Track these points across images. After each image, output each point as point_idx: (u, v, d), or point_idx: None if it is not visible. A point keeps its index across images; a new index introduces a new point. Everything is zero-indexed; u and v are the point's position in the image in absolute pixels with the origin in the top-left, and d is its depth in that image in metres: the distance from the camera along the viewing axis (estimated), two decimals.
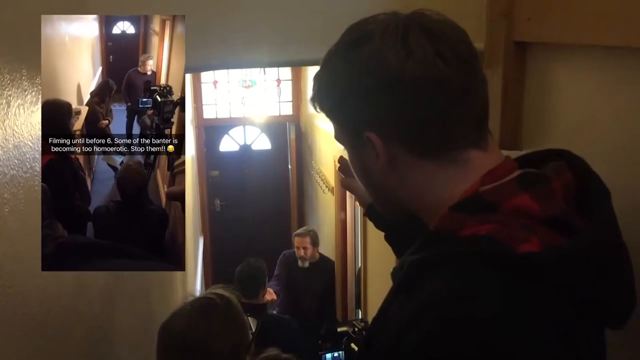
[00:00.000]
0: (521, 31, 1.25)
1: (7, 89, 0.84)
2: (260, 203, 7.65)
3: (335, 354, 1.71)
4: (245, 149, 7.66)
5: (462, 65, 0.72)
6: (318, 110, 0.82)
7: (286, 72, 6.75)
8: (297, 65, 5.60)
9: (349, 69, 0.75)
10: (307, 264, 4.48)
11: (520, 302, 0.63)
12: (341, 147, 0.85)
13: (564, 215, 0.70)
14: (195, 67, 1.58)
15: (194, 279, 4.77)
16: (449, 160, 0.74)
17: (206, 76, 6.60)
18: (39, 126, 0.97)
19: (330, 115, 0.82)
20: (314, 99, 0.82)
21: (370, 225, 3.66)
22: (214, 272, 6.87)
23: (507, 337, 0.61)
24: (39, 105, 0.98)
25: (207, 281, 6.42)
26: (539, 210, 0.69)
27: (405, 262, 0.74)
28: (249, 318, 1.40)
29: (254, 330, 1.38)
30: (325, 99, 0.80)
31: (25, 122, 0.91)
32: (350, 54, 0.75)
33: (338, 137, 0.83)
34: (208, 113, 6.79)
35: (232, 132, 7.54)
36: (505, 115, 1.30)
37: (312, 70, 5.39)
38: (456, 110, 0.73)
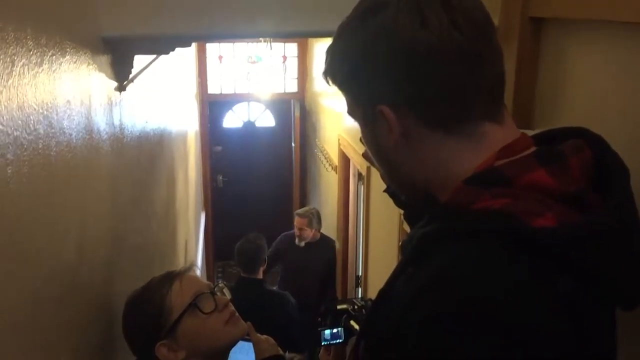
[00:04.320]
0: (537, 6, 1.22)
1: (11, 47, 0.81)
2: (262, 180, 7.65)
3: (334, 331, 1.71)
4: (249, 125, 7.64)
5: (478, 34, 0.70)
6: (330, 83, 0.81)
7: (292, 49, 6.70)
8: (303, 37, 5.54)
9: (362, 39, 0.73)
10: (302, 244, 4.49)
11: (527, 282, 0.62)
12: (350, 123, 0.84)
13: (580, 193, 0.68)
14: (198, 36, 1.55)
15: (195, 253, 4.78)
16: (464, 133, 0.73)
17: (211, 51, 6.55)
18: (43, 88, 0.95)
19: (342, 88, 0.80)
20: (326, 72, 0.81)
21: (372, 204, 3.66)
22: (214, 246, 6.90)
23: (511, 319, 0.59)
24: (44, 67, 0.96)
25: (208, 255, 6.45)
26: (555, 186, 0.68)
27: (415, 235, 0.73)
28: (225, 288, 1.41)
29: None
30: (337, 71, 0.79)
31: (30, 82, 0.89)
32: (364, 23, 0.73)
33: (351, 112, 0.82)
34: (212, 88, 6.75)
35: (236, 108, 7.51)
36: (518, 93, 1.27)
37: (318, 48, 5.36)
38: (471, 81, 0.71)
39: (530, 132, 0.81)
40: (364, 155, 1.14)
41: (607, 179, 0.71)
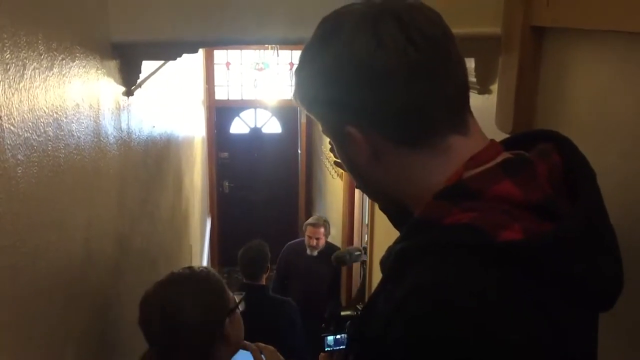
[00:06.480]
0: (539, 16, 1.23)
1: (23, 51, 0.84)
2: (268, 186, 7.68)
3: (338, 337, 1.72)
4: (256, 131, 7.67)
5: (433, 49, 0.71)
6: (300, 106, 0.82)
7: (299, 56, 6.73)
8: None
9: (322, 63, 0.75)
10: (315, 253, 4.48)
11: (500, 290, 0.63)
12: None
13: (547, 201, 0.69)
14: (204, 42, 1.57)
15: (201, 258, 4.80)
16: (430, 147, 0.74)
17: (219, 57, 6.60)
18: (53, 91, 0.97)
19: (310, 111, 0.82)
20: (295, 96, 0.82)
21: (377, 212, 3.67)
22: (219, 251, 6.92)
23: (487, 324, 0.61)
24: (54, 71, 0.98)
25: (213, 260, 6.47)
26: (521, 196, 0.69)
27: (393, 251, 0.75)
28: (236, 294, 1.44)
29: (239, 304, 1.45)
30: (304, 96, 0.80)
31: (40, 86, 0.91)
32: (323, 47, 0.75)
33: (324, 132, 0.83)
34: (220, 94, 6.79)
35: (243, 114, 7.55)
36: (519, 103, 1.29)
37: None
38: (430, 96, 0.72)
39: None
40: (336, 163, 1.17)
41: (575, 184, 0.72)
